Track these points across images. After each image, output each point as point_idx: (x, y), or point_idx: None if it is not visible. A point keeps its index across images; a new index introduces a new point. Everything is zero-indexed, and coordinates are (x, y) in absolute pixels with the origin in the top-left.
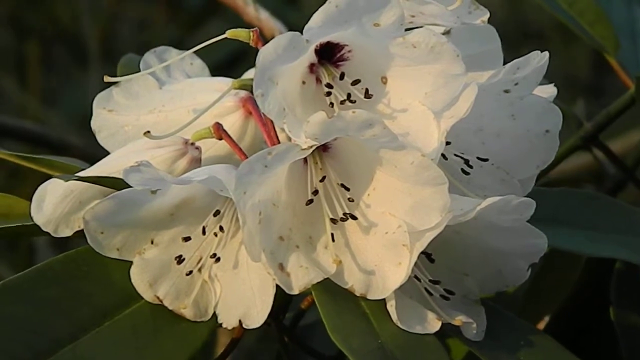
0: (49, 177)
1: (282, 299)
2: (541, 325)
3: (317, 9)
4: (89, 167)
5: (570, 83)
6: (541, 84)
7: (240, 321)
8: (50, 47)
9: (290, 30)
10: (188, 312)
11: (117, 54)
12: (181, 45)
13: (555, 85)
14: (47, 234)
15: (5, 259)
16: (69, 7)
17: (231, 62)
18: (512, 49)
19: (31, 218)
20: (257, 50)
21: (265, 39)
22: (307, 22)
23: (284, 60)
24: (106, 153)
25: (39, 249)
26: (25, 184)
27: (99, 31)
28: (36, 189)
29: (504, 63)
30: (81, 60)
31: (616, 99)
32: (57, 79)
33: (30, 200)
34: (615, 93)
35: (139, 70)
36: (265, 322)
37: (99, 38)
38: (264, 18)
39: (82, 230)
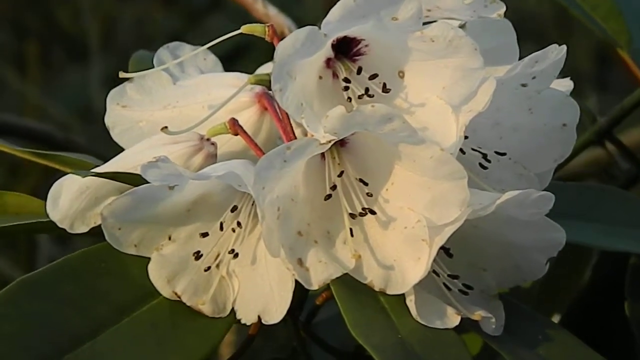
0: (50, 173)
1: (299, 295)
2: (555, 320)
3: (320, 5)
4: (102, 163)
5: (573, 76)
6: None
7: (259, 317)
8: (51, 40)
9: (298, 26)
10: (206, 308)
11: (117, 48)
12: (182, 38)
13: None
14: (63, 230)
15: (6, 254)
16: (69, 2)
17: (233, 55)
18: None
19: (46, 214)
20: (261, 45)
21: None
22: (311, 17)
23: (302, 55)
24: (109, 150)
25: (40, 244)
26: (25, 180)
27: (99, 25)
28: (35, 187)
29: None
30: (81, 54)
31: (620, 90)
32: (57, 73)
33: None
34: (619, 84)
35: (151, 66)
36: (282, 318)
37: (99, 32)
38: (273, 14)
39: (93, 229)
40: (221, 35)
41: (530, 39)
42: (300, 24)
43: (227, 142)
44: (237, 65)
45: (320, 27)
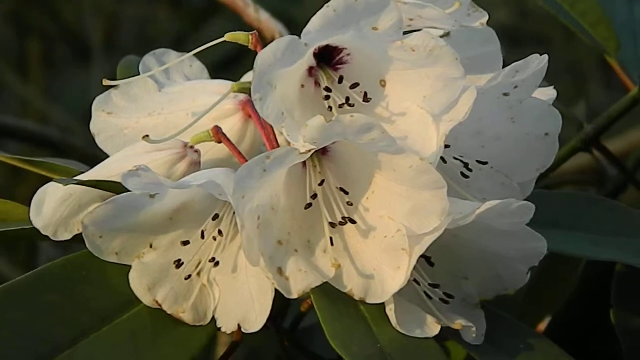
0: (49, 177)
1: (281, 303)
2: (541, 328)
3: (319, 6)
4: (89, 169)
5: (577, 74)
6: (542, 85)
7: (239, 325)
8: (53, 42)
9: (290, 30)
10: (187, 316)
11: (120, 48)
12: (183, 41)
13: (555, 87)
14: (47, 237)
15: (5, 257)
16: (71, 2)
17: (229, 61)
18: (514, 45)
19: (30, 221)
20: (255, 52)
21: (265, 41)
22: (309, 20)
23: (282, 64)
24: (106, 154)
25: (40, 247)
26: (25, 182)
27: (102, 26)
28: (36, 188)
29: (507, 61)
30: (83, 55)
31: (620, 93)
32: (59, 74)
33: (29, 204)
34: (620, 87)
35: (139, 72)
36: (265, 326)
37: (102, 33)
38: (264, 19)
39: (81, 234)
40: (219, 38)
41: (534, 39)
42: (297, 25)
43: (211, 150)
44: (236, 69)
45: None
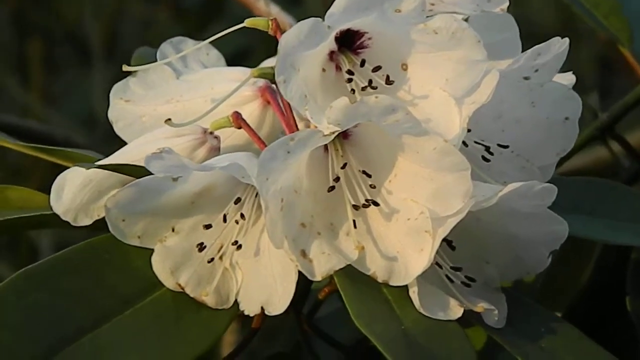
0: (52, 175)
1: (302, 288)
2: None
3: (320, 7)
4: (104, 158)
5: (576, 85)
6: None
7: (262, 308)
8: (54, 46)
9: None
10: (210, 300)
11: (121, 53)
12: None
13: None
14: (67, 223)
15: (6, 259)
16: (72, 6)
17: (236, 58)
18: None
19: (50, 207)
20: (262, 49)
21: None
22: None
23: (305, 47)
24: (111, 151)
25: (41, 249)
26: (26, 182)
27: (103, 30)
28: (37, 188)
29: None
30: (84, 59)
31: (620, 94)
32: (60, 78)
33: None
34: (622, 93)
35: (154, 62)
36: (285, 311)
37: (103, 37)
38: (275, 13)
39: (94, 223)
40: (224, 43)
41: (532, 37)
42: None
43: (231, 136)
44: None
45: (324, 19)
